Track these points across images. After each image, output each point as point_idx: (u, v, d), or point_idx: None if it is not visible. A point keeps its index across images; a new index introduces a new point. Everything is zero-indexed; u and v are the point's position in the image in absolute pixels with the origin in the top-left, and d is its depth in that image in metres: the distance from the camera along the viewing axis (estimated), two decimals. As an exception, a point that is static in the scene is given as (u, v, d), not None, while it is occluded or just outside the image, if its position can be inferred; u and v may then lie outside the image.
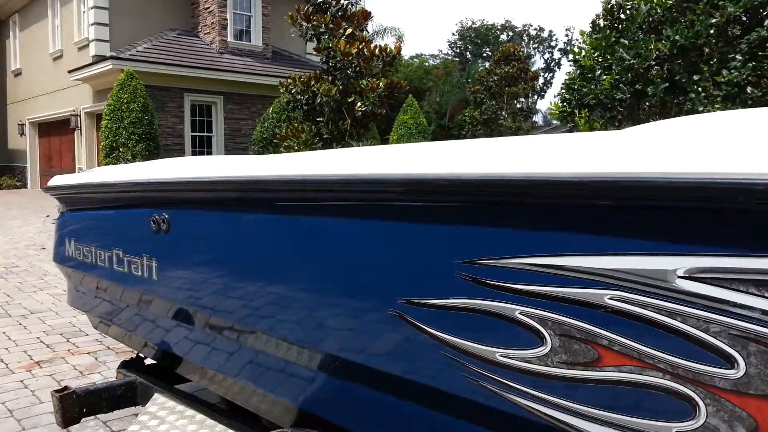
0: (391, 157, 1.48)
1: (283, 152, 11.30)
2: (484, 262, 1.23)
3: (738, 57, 5.25)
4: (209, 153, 15.93)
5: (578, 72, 6.27)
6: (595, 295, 1.08)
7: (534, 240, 1.18)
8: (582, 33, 6.57)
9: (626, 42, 5.78)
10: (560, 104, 6.48)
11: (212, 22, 16.14)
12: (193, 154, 15.55)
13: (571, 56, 6.49)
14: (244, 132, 16.10)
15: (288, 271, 1.69)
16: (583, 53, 6.33)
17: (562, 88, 6.44)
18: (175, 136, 15.02)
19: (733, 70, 5.23)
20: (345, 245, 1.54)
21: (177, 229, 2.04)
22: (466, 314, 1.27)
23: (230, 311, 1.85)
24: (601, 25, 6.50)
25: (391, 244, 1.43)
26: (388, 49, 10.56)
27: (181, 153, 15.11)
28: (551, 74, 38.75)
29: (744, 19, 5.29)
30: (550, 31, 41.17)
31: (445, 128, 23.00)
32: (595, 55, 6.10)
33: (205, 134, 15.90)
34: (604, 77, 5.90)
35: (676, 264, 0.99)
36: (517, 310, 1.19)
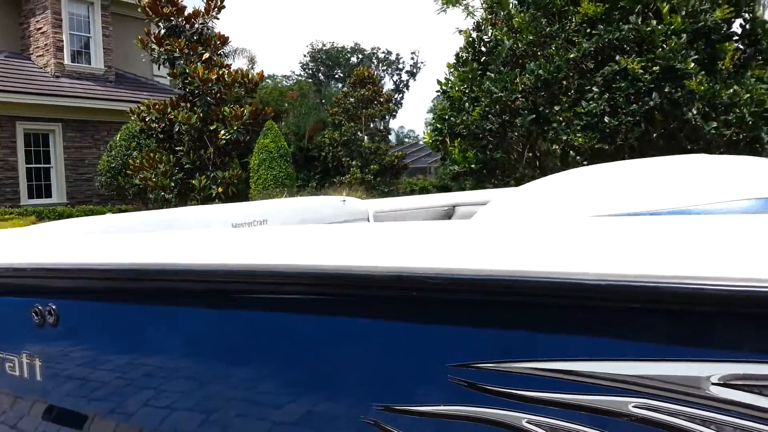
0: (362, 245, 1.32)
1: (139, 184, 10.50)
2: (483, 365, 1.11)
3: (594, 89, 5.68)
4: (48, 186, 14.45)
5: (448, 103, 6.45)
6: (617, 403, 1.00)
7: (544, 343, 1.08)
8: (449, 65, 6.78)
9: (492, 75, 6.04)
10: (432, 134, 6.63)
11: (46, 44, 14.74)
12: (30, 188, 14.02)
13: (438, 87, 6.67)
14: (89, 161, 14.83)
15: (225, 373, 1.45)
16: (450, 84, 6.53)
17: (433, 119, 6.59)
18: (7, 170, 13.45)
19: (591, 102, 5.64)
20: (302, 342, 1.35)
21: (68, 323, 1.71)
22: (460, 422, 1.13)
23: (150, 421, 1.57)
24: (464, 57, 6.76)
25: (367, 343, 1.27)
26: (250, 75, 10.26)
27: (15, 188, 13.55)
28: (401, 95, 40.20)
29: (597, 54, 5.75)
30: (398, 54, 42.70)
31: (304, 150, 22.85)
32: (463, 87, 6.31)
33: (43, 166, 14.43)
34: (474, 108, 6.11)
35: (710, 370, 0.94)
36: (524, 419, 1.08)
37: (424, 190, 22.03)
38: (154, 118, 9.98)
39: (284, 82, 32.11)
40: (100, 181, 13.50)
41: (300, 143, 22.65)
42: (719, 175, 1.50)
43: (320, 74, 37.83)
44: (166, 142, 10.27)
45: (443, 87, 6.65)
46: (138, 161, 10.31)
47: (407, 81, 40.62)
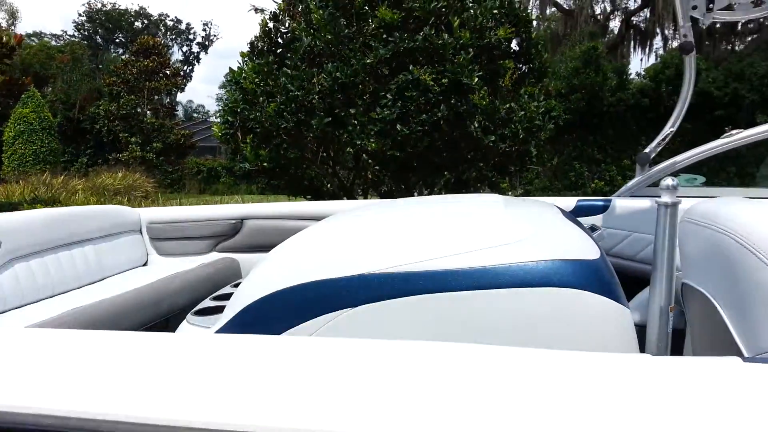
0: None
1: None
2: None
3: (389, 96, 5.71)
4: None
5: (240, 95, 6.05)
6: None
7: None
8: (243, 54, 6.37)
9: (289, 71, 5.78)
10: (223, 126, 6.18)
11: None
12: None
13: (230, 76, 6.23)
14: None
15: None
16: (244, 75, 6.13)
17: (224, 111, 6.14)
18: None
19: (385, 108, 5.67)
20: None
21: None
22: None
23: None
24: (259, 47, 6.40)
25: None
26: (5, 39, 8.72)
27: None
28: (191, 68, 38.03)
29: (392, 61, 5.79)
30: (188, 24, 40.26)
31: (74, 121, 20.44)
32: (257, 79, 5.96)
33: None
34: (269, 104, 5.81)
35: None
36: None
37: (212, 171, 21.07)
38: None
39: (54, 42, 28.39)
40: None
41: (69, 113, 20.20)
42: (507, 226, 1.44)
43: (98, 37, 34.12)
44: None
45: (236, 77, 6.22)
46: None
47: (198, 53, 38.51)
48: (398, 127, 5.67)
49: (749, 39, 27.21)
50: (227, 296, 2.06)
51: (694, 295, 1.51)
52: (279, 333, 1.29)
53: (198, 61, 38.57)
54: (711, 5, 2.65)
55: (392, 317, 1.22)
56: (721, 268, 1.30)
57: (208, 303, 2.05)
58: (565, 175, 17.59)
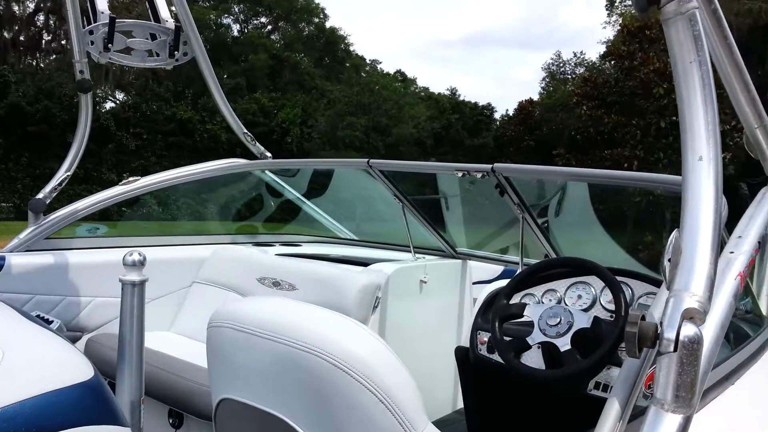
0: None
1: None
2: None
3: None
4: None
5: None
6: None
7: None
8: None
9: None
10: None
11: None
12: None
13: None
14: None
15: None
16: None
17: None
18: None
19: None
20: None
21: None
22: None
23: None
24: None
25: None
26: None
27: None
28: None
29: None
30: None
31: None
32: None
33: None
34: None
35: None
36: None
37: None
38: None
39: None
40: None
41: None
42: None
43: None
44: None
45: None
46: None
47: None
48: None
49: (53, 57, 27.76)
50: None
51: (256, 416, 1.22)
52: None
53: None
54: (109, 45, 2.52)
55: None
56: (303, 386, 1.11)
57: None
58: None
